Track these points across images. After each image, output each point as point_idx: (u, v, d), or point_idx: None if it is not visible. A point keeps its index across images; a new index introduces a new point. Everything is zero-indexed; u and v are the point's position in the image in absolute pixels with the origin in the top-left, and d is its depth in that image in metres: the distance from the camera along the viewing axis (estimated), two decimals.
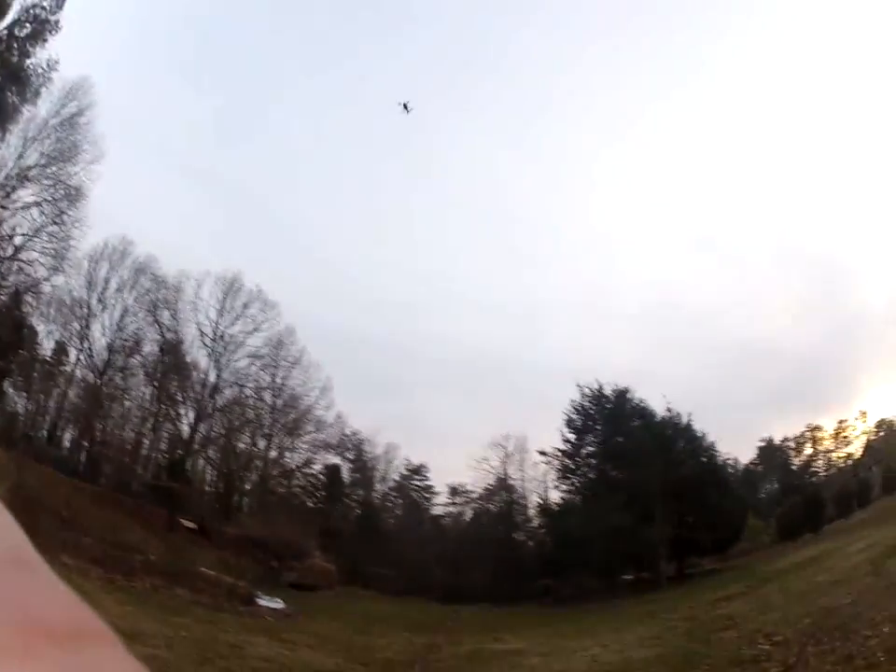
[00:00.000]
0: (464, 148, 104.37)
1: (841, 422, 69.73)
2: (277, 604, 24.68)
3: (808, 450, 71.08)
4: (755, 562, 36.70)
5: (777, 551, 39.20)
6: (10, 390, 42.73)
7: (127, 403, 48.21)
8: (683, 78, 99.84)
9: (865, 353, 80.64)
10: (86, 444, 46.07)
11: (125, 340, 44.88)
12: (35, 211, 36.38)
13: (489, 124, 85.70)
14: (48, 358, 46.29)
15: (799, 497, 44.74)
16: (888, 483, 44.00)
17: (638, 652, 16.56)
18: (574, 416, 50.25)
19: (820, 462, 70.40)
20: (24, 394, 44.97)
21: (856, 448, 68.12)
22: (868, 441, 66.49)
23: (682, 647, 16.20)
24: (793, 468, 67.84)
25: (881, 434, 65.86)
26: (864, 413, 68.80)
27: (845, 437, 69.48)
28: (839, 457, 69.15)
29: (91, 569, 18.95)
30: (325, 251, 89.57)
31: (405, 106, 49.92)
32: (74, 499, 29.04)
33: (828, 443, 70.39)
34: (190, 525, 37.99)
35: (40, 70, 35.11)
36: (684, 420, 48.33)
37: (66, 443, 47.39)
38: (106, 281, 44.15)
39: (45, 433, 45.89)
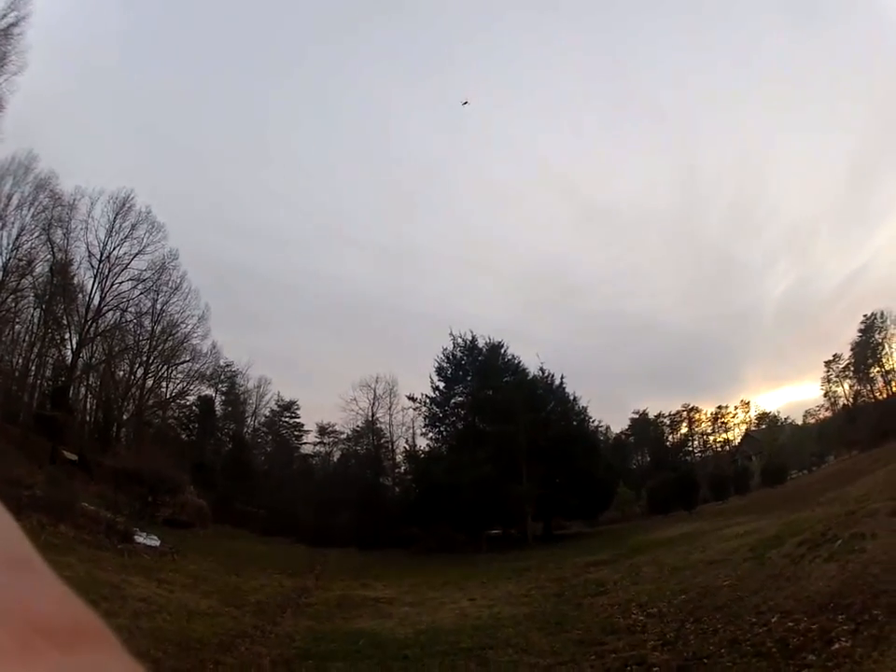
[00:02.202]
0: (360, 90, 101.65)
1: (721, 408, 73.09)
2: (154, 541, 24.52)
3: (684, 429, 74.20)
4: (625, 531, 37.27)
5: (647, 523, 40.18)
6: None
7: (17, 327, 44.97)
8: (593, 46, 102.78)
9: (753, 348, 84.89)
10: None
11: (19, 260, 41.63)
12: None
13: (389, 68, 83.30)
14: None
15: (672, 473, 46.12)
16: (767, 475, 45.91)
17: (507, 609, 16.08)
18: (445, 365, 50.09)
19: (696, 443, 73.80)
20: None
21: (734, 435, 71.75)
22: (748, 430, 70.01)
23: (553, 608, 15.79)
24: (667, 444, 70.42)
25: (762, 427, 69.37)
26: (747, 404, 72.31)
27: (723, 423, 72.86)
28: (716, 441, 72.67)
29: None
30: (217, 175, 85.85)
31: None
32: None
33: (705, 426, 73.78)
34: (72, 456, 36.19)
35: None
36: (556, 381, 49.04)
37: None
38: (9, 197, 40.92)
39: None
